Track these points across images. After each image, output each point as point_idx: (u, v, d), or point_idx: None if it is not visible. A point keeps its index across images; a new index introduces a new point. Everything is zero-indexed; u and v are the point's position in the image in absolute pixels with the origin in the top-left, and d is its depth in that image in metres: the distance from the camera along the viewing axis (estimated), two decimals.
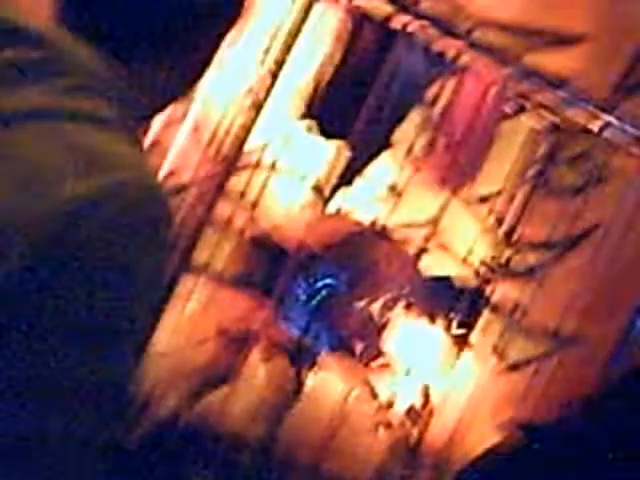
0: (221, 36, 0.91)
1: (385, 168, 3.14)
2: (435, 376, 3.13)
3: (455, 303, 2.99)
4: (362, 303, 2.98)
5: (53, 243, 0.72)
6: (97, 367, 0.73)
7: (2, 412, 0.71)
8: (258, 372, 3.09)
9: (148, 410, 2.88)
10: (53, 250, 0.72)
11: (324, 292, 2.93)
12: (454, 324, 3.04)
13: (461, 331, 3.09)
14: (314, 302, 2.95)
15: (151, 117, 0.92)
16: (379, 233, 3.04)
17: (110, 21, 0.83)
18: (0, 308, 0.70)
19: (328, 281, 2.94)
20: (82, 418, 0.73)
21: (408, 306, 3.01)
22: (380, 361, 3.01)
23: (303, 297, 2.97)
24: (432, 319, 3.08)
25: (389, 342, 3.02)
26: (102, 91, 0.80)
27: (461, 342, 3.11)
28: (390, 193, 2.97)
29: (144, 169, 0.80)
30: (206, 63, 0.92)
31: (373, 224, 3.02)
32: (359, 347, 2.92)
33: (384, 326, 2.96)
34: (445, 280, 3.14)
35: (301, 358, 2.94)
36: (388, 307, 2.97)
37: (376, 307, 2.95)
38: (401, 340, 3.06)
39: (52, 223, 0.72)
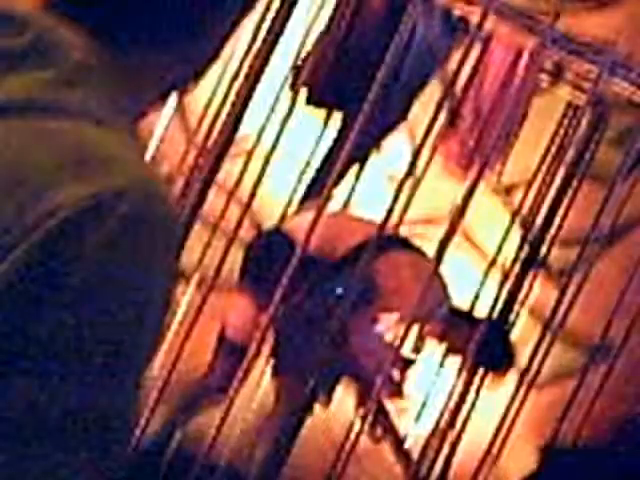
0: (233, 25, 0.85)
1: (399, 150, 2.91)
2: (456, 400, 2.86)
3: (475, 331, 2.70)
4: (379, 323, 2.70)
5: (40, 261, 0.67)
6: (98, 398, 0.68)
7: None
8: (261, 385, 2.88)
9: (137, 427, 2.58)
10: (42, 268, 0.67)
11: (332, 303, 2.61)
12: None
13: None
14: (321, 314, 2.63)
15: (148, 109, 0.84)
16: (398, 240, 2.80)
17: (110, 5, 0.78)
18: None
19: (338, 291, 2.64)
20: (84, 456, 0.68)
21: (429, 334, 2.74)
22: (398, 393, 2.75)
23: (309, 307, 2.68)
24: (453, 349, 2.84)
25: (408, 374, 2.77)
26: (92, 84, 0.75)
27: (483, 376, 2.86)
28: (406, 180, 2.67)
29: (146, 172, 0.74)
30: (215, 55, 0.85)
31: (395, 227, 2.71)
32: (373, 375, 2.60)
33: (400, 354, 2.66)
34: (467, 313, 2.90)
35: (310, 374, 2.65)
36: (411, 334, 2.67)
37: (393, 331, 2.65)
38: (420, 371, 2.83)
39: (40, 236, 0.67)
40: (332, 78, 2.68)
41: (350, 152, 2.51)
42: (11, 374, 0.66)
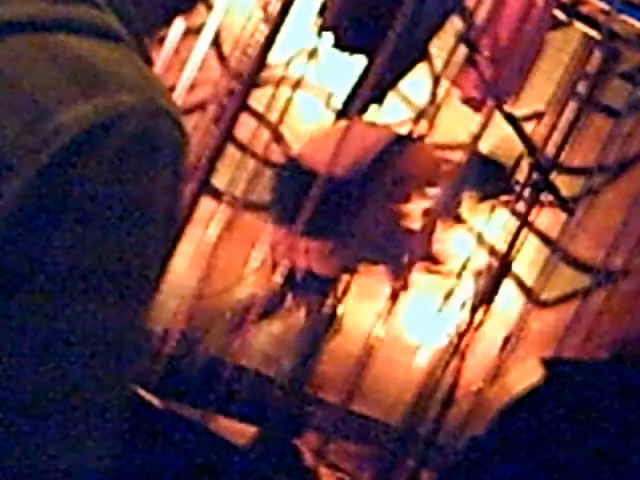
0: None
1: (420, 84, 2.94)
2: (475, 307, 2.96)
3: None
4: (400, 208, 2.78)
5: (50, 180, 0.64)
6: (112, 317, 0.67)
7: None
8: (288, 302, 2.91)
9: (167, 344, 2.72)
10: (51, 188, 0.64)
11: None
12: None
13: None
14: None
15: (162, 26, 0.82)
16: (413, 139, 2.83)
17: None
18: None
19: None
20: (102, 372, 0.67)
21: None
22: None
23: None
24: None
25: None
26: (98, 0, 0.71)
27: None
28: (425, 111, 2.75)
29: (153, 89, 0.70)
30: None
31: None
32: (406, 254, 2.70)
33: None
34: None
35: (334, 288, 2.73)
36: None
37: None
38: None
39: (48, 157, 0.64)
40: (358, 22, 2.61)
41: (373, 89, 2.55)
42: (24, 297, 0.64)
